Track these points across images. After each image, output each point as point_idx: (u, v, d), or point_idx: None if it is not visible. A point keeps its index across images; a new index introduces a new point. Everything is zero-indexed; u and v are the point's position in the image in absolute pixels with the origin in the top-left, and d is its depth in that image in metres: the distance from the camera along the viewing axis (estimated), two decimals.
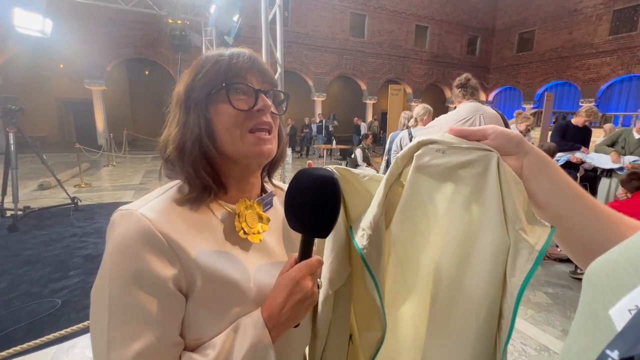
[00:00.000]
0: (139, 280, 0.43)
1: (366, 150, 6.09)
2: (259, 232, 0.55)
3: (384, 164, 3.93)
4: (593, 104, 14.36)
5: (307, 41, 13.69)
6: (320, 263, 0.50)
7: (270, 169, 0.64)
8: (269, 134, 0.54)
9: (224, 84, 0.50)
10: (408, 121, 3.63)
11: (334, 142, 9.84)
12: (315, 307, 0.60)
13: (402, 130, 3.43)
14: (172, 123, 0.54)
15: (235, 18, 3.90)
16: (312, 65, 14.19)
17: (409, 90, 16.36)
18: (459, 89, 2.38)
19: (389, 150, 3.75)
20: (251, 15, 8.43)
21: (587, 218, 0.40)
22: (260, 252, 0.55)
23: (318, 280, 0.51)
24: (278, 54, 2.50)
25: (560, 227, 0.40)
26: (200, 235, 0.49)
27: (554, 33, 15.79)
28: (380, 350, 0.54)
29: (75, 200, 4.71)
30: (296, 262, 0.49)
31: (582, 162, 4.00)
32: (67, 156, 9.92)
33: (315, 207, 0.47)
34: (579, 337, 0.28)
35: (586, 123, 4.35)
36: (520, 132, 4.18)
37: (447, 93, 18.15)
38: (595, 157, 3.84)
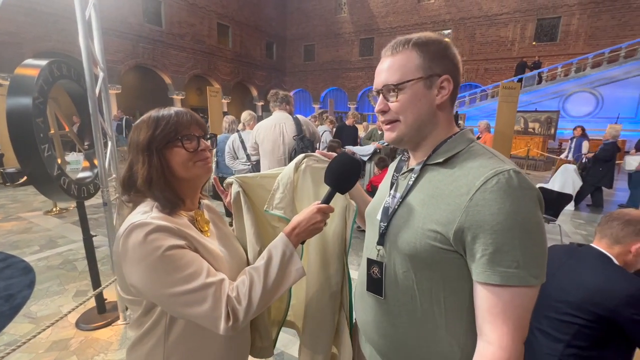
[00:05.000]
0: (170, 248, 0.66)
1: None
2: (207, 230, 0.86)
3: (214, 164, 4.20)
4: (355, 105, 19.70)
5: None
6: (331, 209, 0.80)
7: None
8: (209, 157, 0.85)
9: (179, 137, 0.77)
10: (230, 125, 4.05)
11: None
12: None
13: (232, 133, 3.83)
14: (137, 164, 0.76)
15: None
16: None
17: (218, 87, 16.50)
18: (271, 101, 2.96)
19: (218, 151, 4.05)
20: None
21: (363, 198, 1.01)
22: (211, 235, 0.89)
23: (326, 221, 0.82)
24: (98, 54, 2.30)
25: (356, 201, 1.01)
26: (184, 228, 0.78)
27: (327, 49, 20.21)
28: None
29: None
30: (318, 204, 0.79)
31: (354, 153, 5.82)
32: None
33: (345, 174, 0.80)
34: (369, 240, 0.83)
35: (353, 123, 6.34)
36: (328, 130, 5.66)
37: (254, 92, 19.59)
38: (358, 149, 5.73)
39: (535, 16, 14.69)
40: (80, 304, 1.52)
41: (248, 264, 0.94)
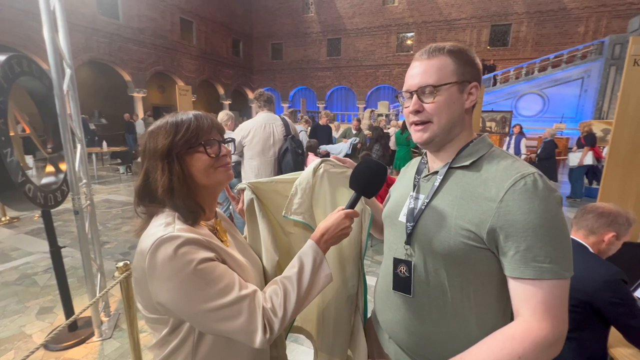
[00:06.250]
0: (202, 262, 0.63)
1: None
2: (226, 240, 0.83)
3: None
4: (324, 105, 19.81)
5: (32, 9, 9.89)
6: (357, 214, 0.80)
7: None
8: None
9: (202, 142, 0.74)
10: None
11: (105, 144, 7.93)
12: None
13: None
14: (156, 172, 0.71)
15: None
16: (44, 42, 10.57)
17: (188, 86, 15.75)
18: (255, 101, 2.89)
19: None
20: None
21: (374, 202, 1.03)
22: (230, 245, 0.86)
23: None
24: (64, 49, 2.10)
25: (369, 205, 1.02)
26: (210, 239, 0.75)
27: (295, 48, 20.09)
28: None
29: None
30: (344, 209, 0.78)
31: (328, 152, 5.86)
32: None
33: (372, 179, 0.79)
34: (392, 241, 0.84)
35: (327, 122, 6.40)
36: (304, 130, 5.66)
37: (220, 90, 18.99)
38: (331, 148, 5.81)
39: (489, 22, 15.72)
40: (62, 326, 1.39)
41: (264, 272, 0.92)
